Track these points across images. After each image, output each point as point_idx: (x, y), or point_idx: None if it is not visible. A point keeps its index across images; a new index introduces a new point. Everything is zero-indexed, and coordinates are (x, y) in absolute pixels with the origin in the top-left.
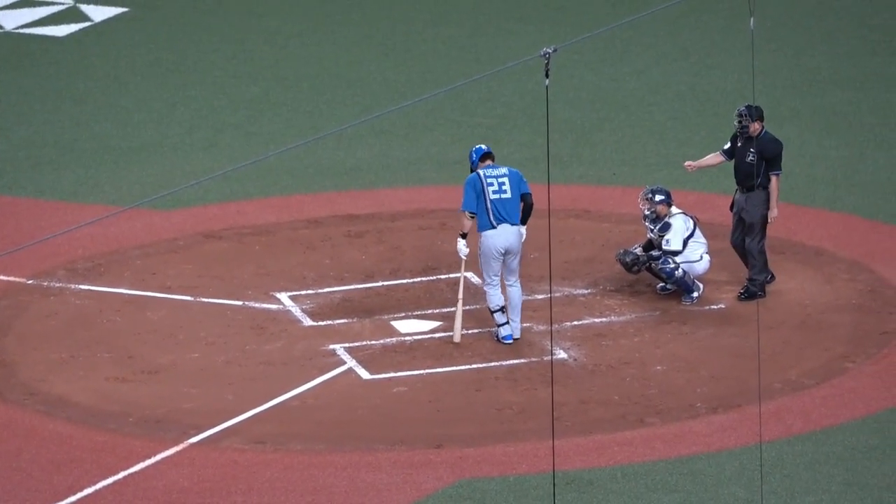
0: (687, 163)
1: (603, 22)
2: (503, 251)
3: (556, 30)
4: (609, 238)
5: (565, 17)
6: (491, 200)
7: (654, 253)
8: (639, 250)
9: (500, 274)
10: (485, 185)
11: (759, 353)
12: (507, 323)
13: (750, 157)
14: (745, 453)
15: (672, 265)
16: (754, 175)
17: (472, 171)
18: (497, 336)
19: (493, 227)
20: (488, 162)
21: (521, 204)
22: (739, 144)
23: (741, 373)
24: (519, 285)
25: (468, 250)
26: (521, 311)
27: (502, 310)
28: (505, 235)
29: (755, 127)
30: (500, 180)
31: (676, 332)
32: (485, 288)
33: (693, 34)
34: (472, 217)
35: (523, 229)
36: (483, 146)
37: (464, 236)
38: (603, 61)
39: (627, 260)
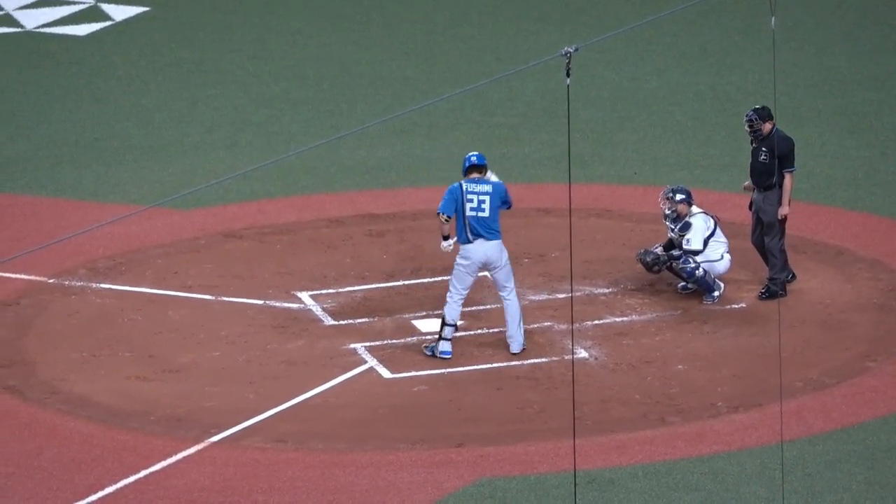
0: (745, 184)
1: (624, 21)
2: (481, 265)
3: (577, 29)
4: (630, 237)
5: (586, 17)
6: (468, 216)
7: (675, 252)
8: (659, 250)
9: (467, 291)
10: (464, 199)
11: (780, 352)
12: (450, 340)
13: (763, 157)
14: (766, 452)
15: (693, 265)
16: (769, 174)
17: (464, 175)
18: (433, 349)
19: (470, 242)
20: (475, 175)
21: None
22: (753, 146)
23: (762, 372)
24: (515, 298)
25: (451, 243)
26: (542, 310)
27: (454, 326)
28: (483, 249)
29: (766, 127)
30: (481, 197)
31: (697, 331)
32: (448, 299)
33: (714, 34)
34: (447, 220)
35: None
36: (474, 157)
37: (445, 238)
38: (624, 61)
39: (648, 259)
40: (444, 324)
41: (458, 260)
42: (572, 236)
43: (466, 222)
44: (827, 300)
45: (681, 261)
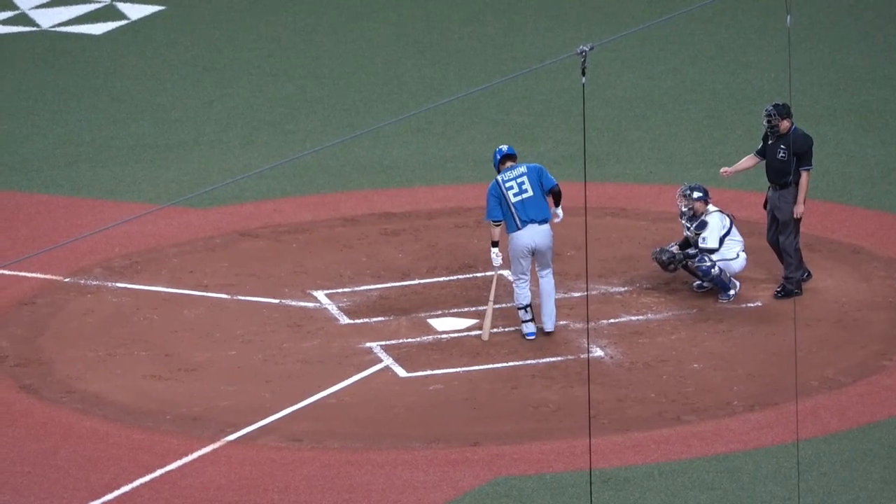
0: (723, 169)
1: (639, 20)
2: (531, 250)
3: (593, 28)
4: (645, 236)
5: (602, 16)
6: (513, 203)
7: (691, 251)
8: (675, 248)
9: (529, 272)
10: (504, 190)
11: (795, 351)
12: (532, 320)
13: (781, 154)
14: (782, 451)
15: (708, 263)
16: (786, 172)
17: (497, 171)
18: (523, 332)
19: (520, 229)
20: (508, 164)
21: (550, 196)
22: (770, 143)
23: (778, 370)
24: (551, 277)
25: (501, 260)
26: (557, 308)
27: (527, 308)
28: (531, 235)
29: (785, 125)
30: (520, 180)
31: (713, 329)
32: (514, 285)
33: (729, 32)
34: (497, 225)
35: (559, 209)
36: (504, 147)
37: (495, 244)
38: (639, 59)
39: (664, 258)
40: (518, 309)
41: (510, 248)
42: (588, 235)
43: (513, 210)
44: (842, 299)
45: (696, 259)
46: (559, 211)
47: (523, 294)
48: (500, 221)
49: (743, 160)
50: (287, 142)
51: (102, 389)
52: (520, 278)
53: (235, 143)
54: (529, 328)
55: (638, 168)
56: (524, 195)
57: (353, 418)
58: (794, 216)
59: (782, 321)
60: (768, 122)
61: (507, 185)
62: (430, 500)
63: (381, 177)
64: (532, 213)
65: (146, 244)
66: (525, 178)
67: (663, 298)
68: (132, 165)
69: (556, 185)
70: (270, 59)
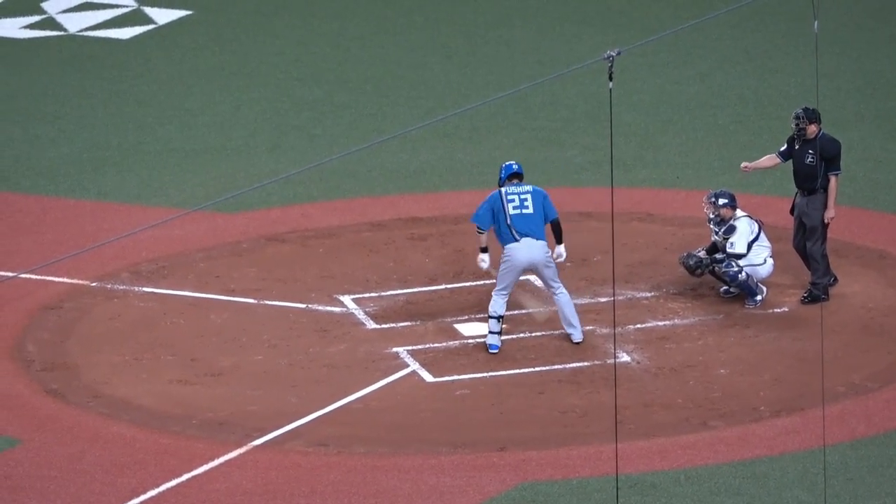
0: (743, 164)
1: (666, 25)
2: (526, 266)
3: (620, 33)
4: (672, 241)
5: (629, 21)
6: (511, 216)
7: (718, 256)
8: (702, 253)
9: (511, 288)
10: (505, 202)
11: (822, 356)
12: (499, 333)
13: (809, 159)
14: (809, 457)
15: (736, 269)
16: (814, 177)
17: (499, 186)
18: (487, 343)
19: (517, 241)
20: (514, 181)
21: (550, 229)
22: (797, 147)
23: (804, 376)
24: (564, 291)
25: (487, 264)
26: (583, 314)
27: (498, 319)
28: (528, 249)
29: (812, 129)
30: (523, 196)
31: (740, 335)
32: (493, 293)
33: (756, 37)
34: (480, 232)
35: (561, 248)
36: (513, 164)
37: (484, 250)
38: (666, 64)
39: (691, 263)
40: (489, 317)
41: (502, 258)
42: (615, 240)
43: (510, 223)
44: (869, 304)
45: (724, 264)
46: (562, 250)
47: (499, 304)
48: (483, 232)
49: (764, 158)
50: (314, 146)
51: (129, 394)
52: (501, 292)
53: (262, 148)
54: (493, 340)
55: (665, 173)
56: (524, 210)
57: (379, 423)
58: (825, 221)
59: (809, 326)
60: (797, 125)
61: (510, 197)
62: None
63: (408, 182)
64: (529, 229)
65: (173, 249)
66: (529, 197)
67: (690, 304)
68: (159, 170)
69: (558, 217)
70: (297, 64)
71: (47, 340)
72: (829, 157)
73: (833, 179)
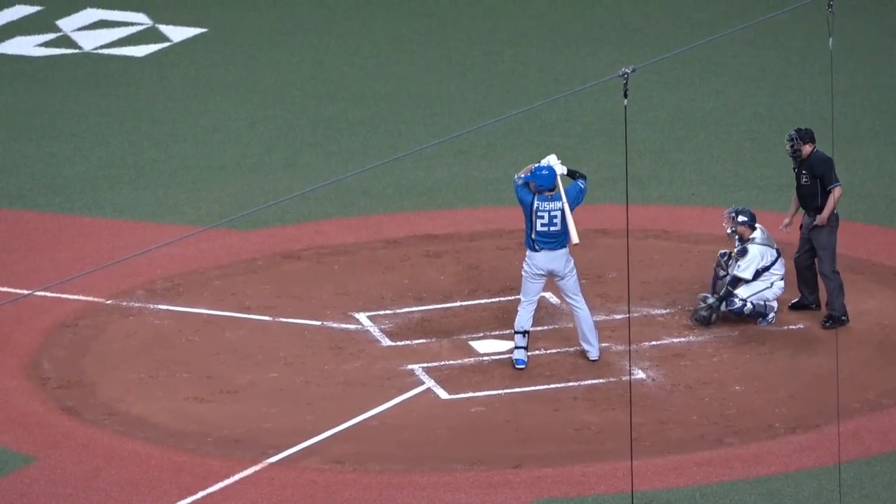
0: (783, 226)
1: (681, 42)
2: (545, 273)
3: (635, 50)
4: (687, 258)
5: (644, 38)
6: (538, 230)
7: (722, 293)
8: (711, 299)
9: (537, 298)
10: (535, 216)
11: (837, 374)
12: (525, 348)
13: (805, 180)
14: (824, 473)
15: (739, 304)
16: (814, 196)
17: (526, 184)
18: (513, 358)
19: (536, 251)
20: (546, 193)
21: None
22: (794, 168)
23: (819, 393)
24: (585, 306)
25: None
26: (600, 331)
27: (523, 334)
28: (547, 258)
29: (807, 149)
30: (553, 214)
31: (755, 352)
32: (519, 307)
33: (771, 54)
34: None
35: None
36: (544, 172)
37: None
38: (681, 81)
39: (704, 314)
40: (514, 332)
41: (524, 266)
42: (630, 257)
43: (535, 237)
44: (884, 321)
45: (726, 303)
46: (555, 160)
47: (525, 318)
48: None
49: (791, 204)
50: (329, 164)
51: (144, 411)
52: (526, 304)
53: (278, 165)
54: (520, 355)
55: (680, 190)
56: (551, 227)
57: (394, 440)
58: (817, 224)
59: (824, 343)
60: (791, 146)
61: (539, 213)
62: None
63: (423, 199)
64: (552, 245)
65: (188, 266)
66: (559, 214)
67: None
68: (174, 187)
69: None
70: (313, 81)
71: (63, 358)
72: (820, 174)
73: (835, 191)
